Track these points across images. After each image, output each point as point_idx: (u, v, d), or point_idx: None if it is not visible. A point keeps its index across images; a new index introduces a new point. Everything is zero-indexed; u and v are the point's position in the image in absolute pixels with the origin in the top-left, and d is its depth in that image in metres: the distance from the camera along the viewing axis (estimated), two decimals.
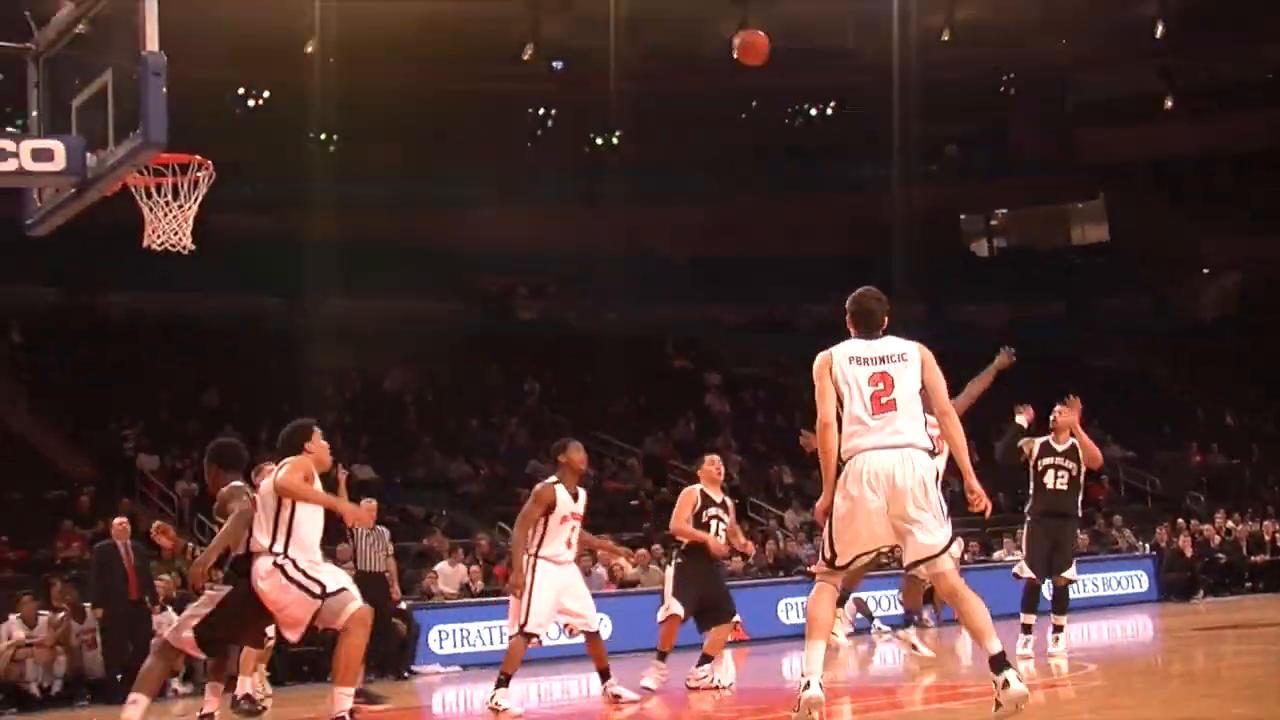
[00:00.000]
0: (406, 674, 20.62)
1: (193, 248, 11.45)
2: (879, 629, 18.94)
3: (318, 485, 10.57)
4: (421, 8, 39.63)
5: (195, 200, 11.29)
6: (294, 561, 10.15)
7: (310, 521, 10.39)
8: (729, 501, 14.23)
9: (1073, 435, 14.46)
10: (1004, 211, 56.82)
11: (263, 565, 10.21)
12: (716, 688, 13.52)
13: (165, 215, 11.26)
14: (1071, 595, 15.10)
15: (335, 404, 33.72)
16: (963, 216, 55.36)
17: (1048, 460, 14.48)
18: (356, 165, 41.84)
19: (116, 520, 20.41)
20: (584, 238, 44.11)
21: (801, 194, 48.57)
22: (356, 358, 37.13)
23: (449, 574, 23.88)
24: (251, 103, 43.10)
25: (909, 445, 8.74)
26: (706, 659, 13.62)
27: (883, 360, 8.98)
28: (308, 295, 39.03)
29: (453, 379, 38.41)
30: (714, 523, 13.68)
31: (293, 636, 10.70)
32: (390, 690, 17.15)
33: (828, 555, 8.78)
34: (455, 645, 22.15)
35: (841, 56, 45.97)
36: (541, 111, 48.43)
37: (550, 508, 12.17)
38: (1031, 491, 14.68)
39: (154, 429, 31.00)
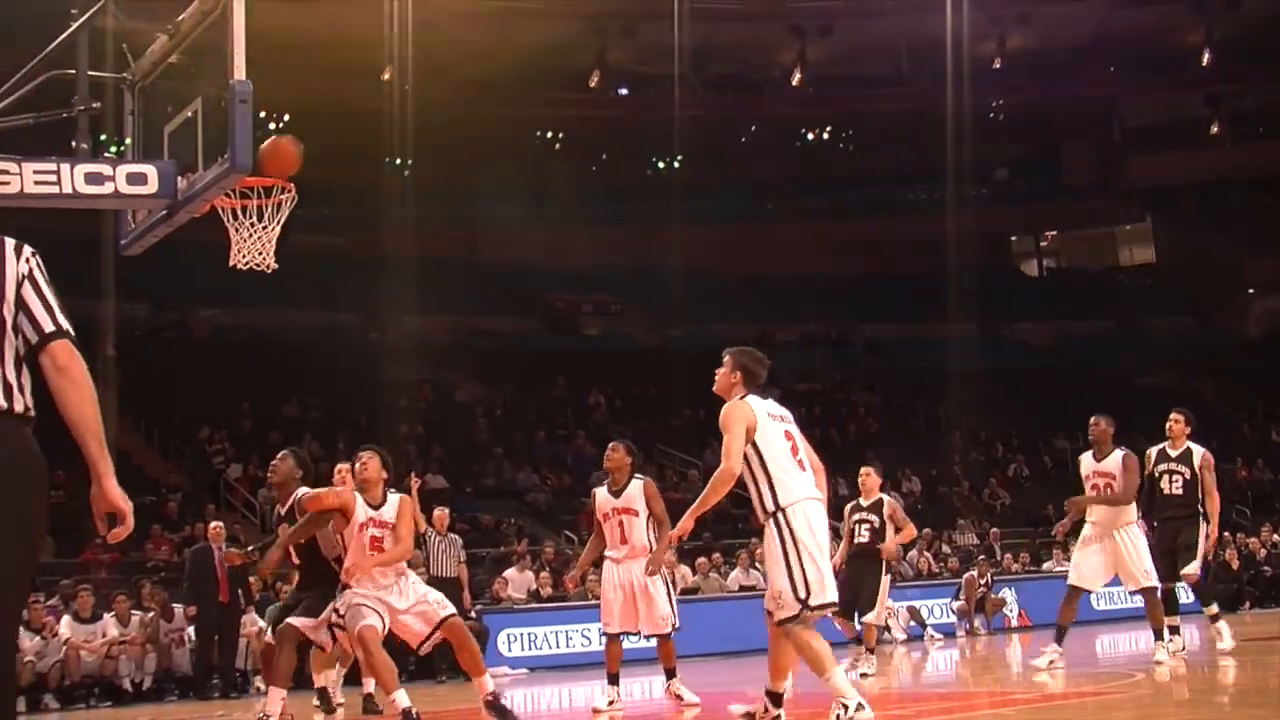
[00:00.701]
0: None
1: (276, 266, 11.55)
2: (932, 636, 18.98)
3: None
4: (492, 36, 39.93)
5: (279, 222, 11.39)
6: None
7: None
8: (885, 500, 15.20)
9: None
10: (1054, 233, 56.67)
11: None
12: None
13: (250, 236, 11.37)
14: (1118, 605, 15.04)
15: (408, 415, 33.91)
16: (1013, 238, 55.11)
17: (1163, 466, 14.43)
18: (428, 187, 42.05)
19: (211, 525, 20.94)
20: (645, 257, 44.21)
21: (857, 217, 48.50)
22: (428, 371, 37.31)
23: (518, 580, 23.92)
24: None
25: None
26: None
27: (783, 419, 9.20)
28: (382, 311, 39.32)
29: (520, 393, 38.49)
30: (857, 526, 14.82)
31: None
32: (463, 690, 17.18)
33: (803, 596, 8.76)
34: (523, 649, 22.20)
35: (895, 83, 45.95)
36: (606, 135, 48.41)
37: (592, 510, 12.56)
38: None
39: (238, 438, 31.20)
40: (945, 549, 29.76)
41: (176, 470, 30.41)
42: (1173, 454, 14.38)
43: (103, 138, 11.67)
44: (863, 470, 15.61)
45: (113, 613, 19.71)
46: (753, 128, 47.87)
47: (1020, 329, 48.15)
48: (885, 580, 14.92)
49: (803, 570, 8.68)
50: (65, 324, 4.67)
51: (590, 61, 44.53)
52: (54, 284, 4.63)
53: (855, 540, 14.87)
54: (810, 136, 49.56)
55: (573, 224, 45.32)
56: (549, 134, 47.32)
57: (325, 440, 31.26)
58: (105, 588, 21.35)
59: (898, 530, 14.84)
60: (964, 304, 42.52)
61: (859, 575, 14.78)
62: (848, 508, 15.18)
